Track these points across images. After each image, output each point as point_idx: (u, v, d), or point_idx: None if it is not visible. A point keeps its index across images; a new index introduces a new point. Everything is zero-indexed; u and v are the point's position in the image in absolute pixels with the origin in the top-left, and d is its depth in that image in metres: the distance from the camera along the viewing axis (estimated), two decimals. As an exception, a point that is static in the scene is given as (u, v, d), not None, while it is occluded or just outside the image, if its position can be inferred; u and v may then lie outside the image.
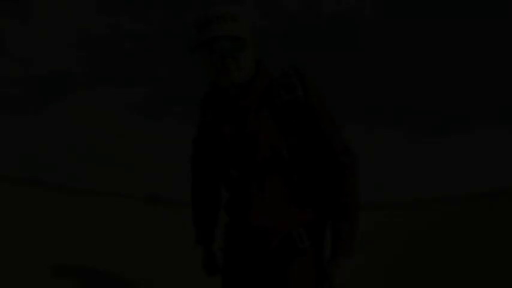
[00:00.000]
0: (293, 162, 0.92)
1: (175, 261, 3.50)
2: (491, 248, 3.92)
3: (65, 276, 2.48)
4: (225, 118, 0.98)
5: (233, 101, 0.96)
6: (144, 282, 2.60)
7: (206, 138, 1.05)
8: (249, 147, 0.93)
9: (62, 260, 2.90)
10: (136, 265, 3.10)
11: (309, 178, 0.96)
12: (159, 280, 2.71)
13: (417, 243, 4.83)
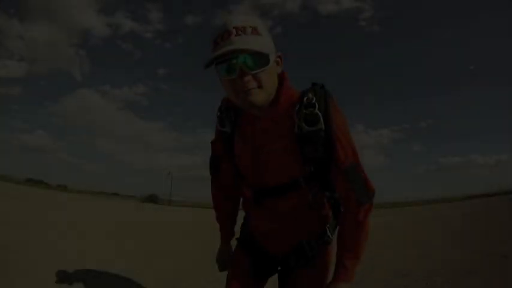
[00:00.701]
0: (308, 188, 0.89)
1: (174, 259, 3.50)
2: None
3: (65, 275, 2.48)
4: (244, 136, 0.94)
5: (254, 122, 0.90)
6: (144, 280, 2.60)
7: (225, 147, 1.01)
8: (265, 172, 0.91)
9: (62, 259, 2.91)
10: (135, 264, 3.10)
11: (323, 200, 0.96)
12: (158, 278, 2.71)
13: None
